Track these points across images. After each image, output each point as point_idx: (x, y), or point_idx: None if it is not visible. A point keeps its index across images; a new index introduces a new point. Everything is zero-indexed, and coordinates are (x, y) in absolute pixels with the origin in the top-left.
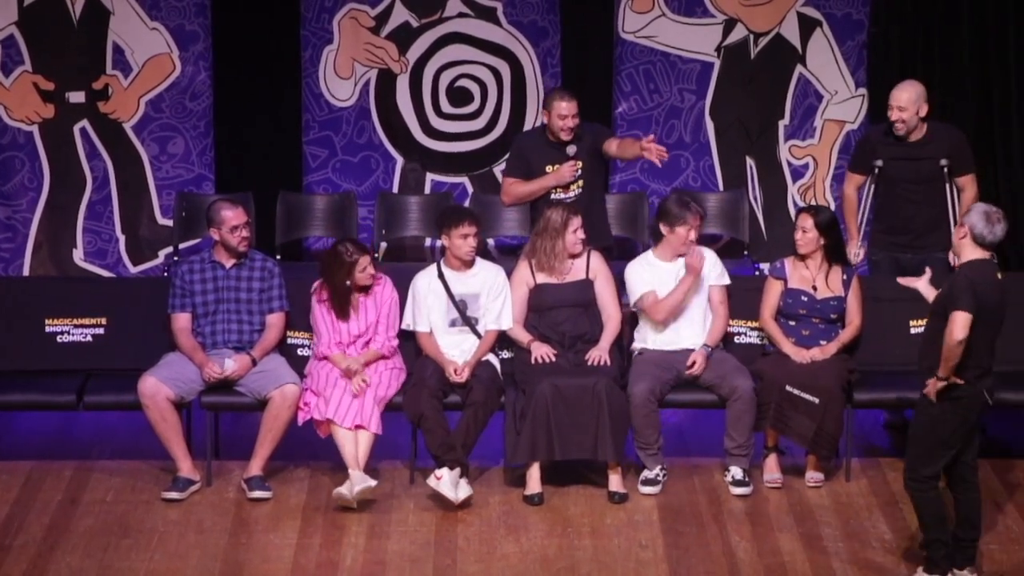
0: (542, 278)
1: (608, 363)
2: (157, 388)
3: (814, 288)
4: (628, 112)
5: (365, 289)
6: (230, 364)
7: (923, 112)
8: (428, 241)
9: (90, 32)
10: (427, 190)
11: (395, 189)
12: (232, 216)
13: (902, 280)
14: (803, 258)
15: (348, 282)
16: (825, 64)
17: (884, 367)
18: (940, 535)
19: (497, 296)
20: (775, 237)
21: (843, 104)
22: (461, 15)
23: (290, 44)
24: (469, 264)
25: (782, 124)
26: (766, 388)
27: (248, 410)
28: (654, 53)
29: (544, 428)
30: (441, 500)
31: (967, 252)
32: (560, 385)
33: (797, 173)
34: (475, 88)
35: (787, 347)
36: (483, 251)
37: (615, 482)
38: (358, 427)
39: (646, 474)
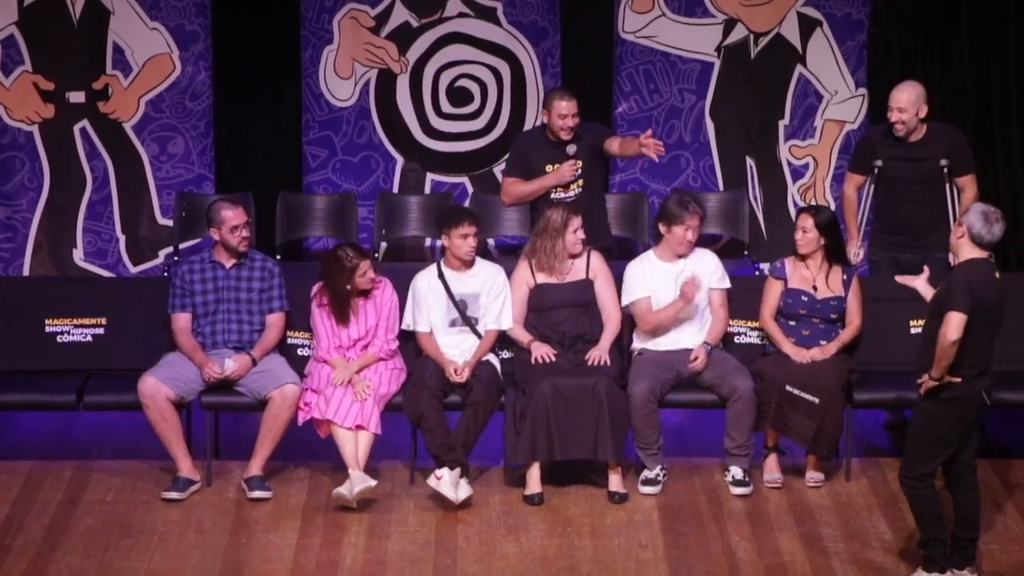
0: (542, 278)
1: (608, 363)
2: (157, 388)
3: (814, 288)
4: (628, 112)
5: (365, 293)
6: (230, 364)
7: (923, 113)
8: (428, 241)
9: (90, 32)
10: (427, 190)
11: (395, 189)
12: (232, 216)
13: (900, 278)
14: (803, 258)
15: (348, 287)
16: (825, 64)
17: (884, 367)
18: (937, 533)
19: (497, 296)
20: (775, 237)
21: (843, 104)
22: (461, 15)
23: (290, 44)
24: (469, 264)
25: (782, 124)
26: (766, 388)
27: (248, 410)
28: (654, 53)
29: (544, 428)
30: (441, 500)
31: (965, 252)
32: (560, 385)
33: (797, 173)
34: (475, 88)
35: (787, 347)
36: (483, 251)
37: (615, 482)
38: (358, 427)
39: (646, 474)
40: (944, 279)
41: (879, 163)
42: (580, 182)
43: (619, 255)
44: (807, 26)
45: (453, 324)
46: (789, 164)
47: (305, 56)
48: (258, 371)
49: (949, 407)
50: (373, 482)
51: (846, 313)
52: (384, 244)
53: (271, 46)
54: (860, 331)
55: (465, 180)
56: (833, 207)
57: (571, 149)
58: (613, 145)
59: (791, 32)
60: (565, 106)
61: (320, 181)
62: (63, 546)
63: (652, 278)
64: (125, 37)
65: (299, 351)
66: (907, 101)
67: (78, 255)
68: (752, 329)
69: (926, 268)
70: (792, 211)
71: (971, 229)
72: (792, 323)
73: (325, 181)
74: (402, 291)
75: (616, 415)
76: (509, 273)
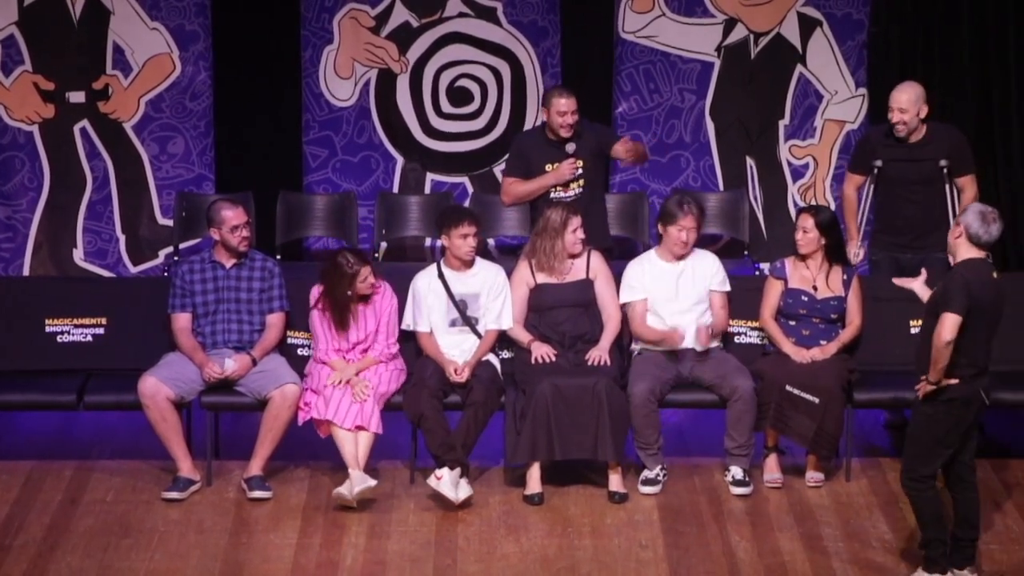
0: (542, 278)
1: (608, 363)
2: (157, 388)
3: (814, 288)
4: (628, 112)
5: (365, 298)
6: (230, 364)
7: (923, 113)
8: (428, 241)
9: (90, 32)
10: (427, 190)
11: (395, 189)
12: (232, 216)
13: (898, 281)
14: (803, 258)
15: (349, 292)
16: (825, 64)
17: (884, 367)
18: (938, 534)
19: (497, 296)
20: (775, 237)
21: (843, 104)
22: (461, 15)
23: (290, 44)
24: (469, 264)
25: (782, 124)
26: (766, 388)
27: (248, 410)
28: (654, 53)
29: (544, 428)
30: (441, 500)
31: (963, 251)
32: (560, 385)
33: (797, 173)
34: (475, 88)
35: (787, 347)
36: (483, 251)
37: (615, 482)
38: (359, 428)
39: (646, 474)
40: (943, 279)
41: (879, 163)
42: (581, 182)
43: (619, 255)
44: (807, 26)
45: (453, 324)
46: (789, 164)
47: (305, 56)
48: (258, 371)
49: (948, 408)
50: (373, 482)
51: (846, 313)
52: (384, 244)
53: (271, 46)
54: (860, 331)
55: (465, 180)
56: (833, 207)
57: (570, 148)
58: (620, 151)
59: (791, 32)
60: (564, 103)
61: (320, 181)
62: (63, 546)
63: (651, 278)
64: (125, 37)
65: (299, 351)
66: (908, 101)
67: (78, 255)
68: (752, 329)
69: (924, 271)
70: (792, 211)
71: (968, 229)
72: (792, 323)
73: (325, 181)
74: (402, 291)
75: (616, 415)
76: (509, 273)
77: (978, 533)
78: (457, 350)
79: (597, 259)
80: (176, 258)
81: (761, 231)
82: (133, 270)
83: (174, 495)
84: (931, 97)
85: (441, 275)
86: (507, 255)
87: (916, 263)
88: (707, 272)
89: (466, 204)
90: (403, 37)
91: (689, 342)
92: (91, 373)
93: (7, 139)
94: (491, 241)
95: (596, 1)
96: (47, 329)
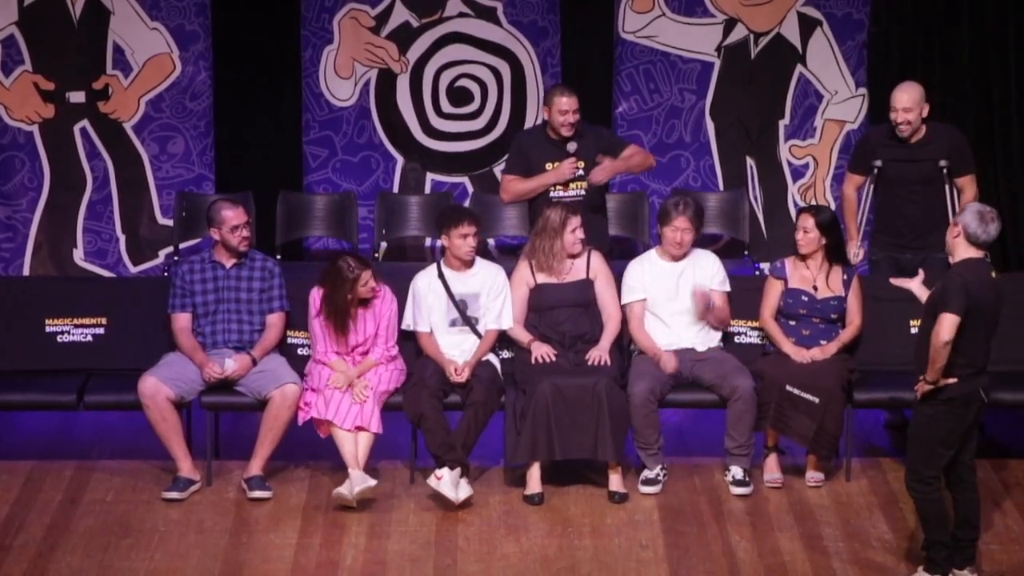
0: (542, 278)
1: (608, 363)
2: (157, 388)
3: (814, 288)
4: (628, 112)
5: (365, 302)
6: (230, 364)
7: (924, 112)
8: (428, 241)
9: (90, 32)
10: (427, 190)
11: (395, 189)
12: (232, 216)
13: (895, 281)
14: (804, 258)
15: (349, 296)
16: (825, 64)
17: (884, 367)
18: (942, 536)
19: (497, 296)
20: (775, 237)
21: (843, 104)
22: (461, 15)
23: (290, 44)
24: (469, 264)
25: (782, 124)
26: (766, 388)
27: (248, 410)
28: (654, 53)
29: (544, 428)
30: (441, 500)
31: (961, 251)
32: (560, 385)
33: (797, 173)
34: (475, 88)
35: (787, 347)
36: (483, 251)
37: (615, 482)
38: (359, 428)
39: (646, 474)
40: (941, 279)
41: (878, 163)
42: (583, 183)
43: (619, 255)
44: (807, 26)
45: (453, 324)
46: (789, 164)
47: (305, 56)
48: (258, 371)
49: (948, 408)
50: (373, 482)
51: (846, 313)
52: (384, 244)
53: (271, 46)
54: (860, 331)
55: (465, 180)
56: (833, 207)
57: (572, 147)
58: (598, 174)
59: (791, 32)
60: (566, 102)
61: (320, 181)
62: (63, 546)
63: (652, 278)
64: (125, 37)
65: (299, 351)
66: (912, 101)
67: (78, 255)
68: (752, 329)
69: (921, 271)
70: (792, 211)
71: (967, 229)
72: (792, 323)
73: (325, 181)
74: (402, 291)
75: (616, 415)
76: (509, 273)
77: (978, 533)
78: (457, 350)
79: (597, 259)
80: (176, 258)
81: (761, 231)
82: (133, 270)
83: (174, 495)
84: (931, 97)
85: (441, 275)
86: (507, 255)
87: (916, 263)
88: (707, 272)
89: (466, 204)
90: (403, 37)
91: (671, 367)
92: (91, 373)
93: (7, 139)
94: (491, 241)
95: (596, 1)
96: (47, 329)
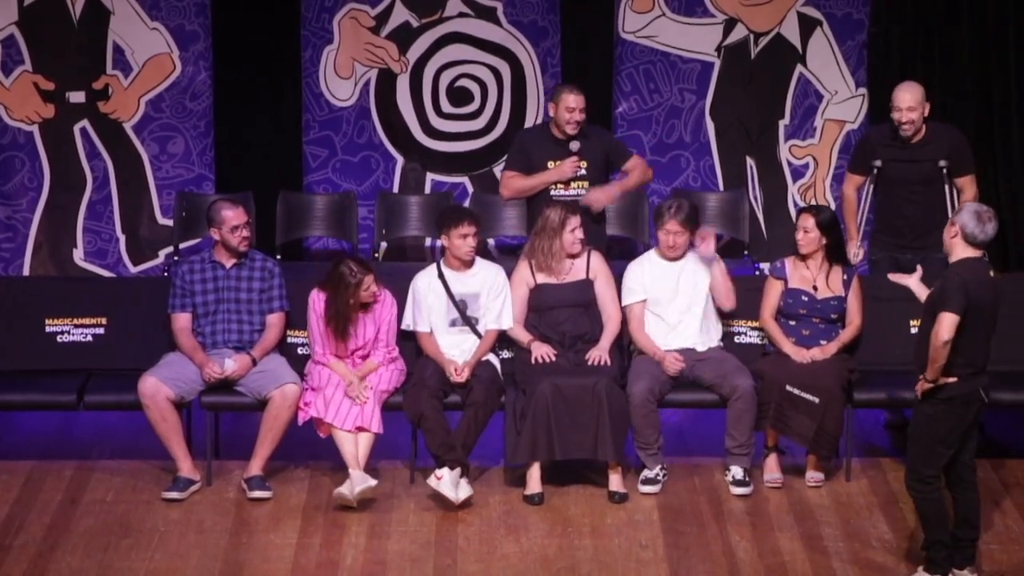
0: (542, 278)
1: (608, 363)
2: (157, 388)
3: (814, 288)
4: (628, 112)
5: (366, 306)
6: (230, 364)
7: (926, 112)
8: (428, 241)
9: (90, 32)
10: (427, 190)
11: (395, 189)
12: (232, 216)
13: (893, 276)
14: (804, 258)
15: (351, 301)
16: (825, 64)
17: (884, 367)
18: (942, 536)
19: (497, 296)
20: (775, 237)
21: (843, 104)
22: (461, 15)
23: (290, 44)
24: (469, 264)
25: (782, 124)
26: (766, 388)
27: (248, 410)
28: (654, 53)
29: (544, 428)
30: (441, 500)
31: (958, 251)
32: (560, 385)
33: (797, 173)
34: (475, 88)
35: (787, 347)
36: (483, 251)
37: (615, 482)
38: (359, 429)
39: (646, 474)
40: (940, 279)
41: (878, 163)
42: (584, 184)
43: (619, 255)
44: (807, 26)
45: (453, 324)
46: (789, 164)
47: (305, 56)
48: (258, 371)
49: (948, 407)
50: (374, 482)
51: (846, 313)
52: (384, 244)
53: (271, 46)
54: (860, 331)
55: (465, 180)
56: (833, 207)
57: (574, 146)
58: (591, 199)
59: (791, 32)
60: (573, 99)
61: (320, 181)
62: (63, 546)
63: (652, 278)
64: (125, 37)
65: (299, 351)
66: (915, 100)
67: (78, 255)
68: (752, 329)
69: (919, 268)
70: (792, 211)
71: (964, 228)
72: (792, 323)
73: (325, 181)
74: (402, 291)
75: (616, 415)
76: (509, 273)
77: (978, 533)
78: (457, 350)
79: (597, 259)
80: (176, 258)
81: (761, 231)
82: (133, 270)
83: (174, 495)
84: (931, 97)
85: (441, 275)
86: (507, 255)
87: (916, 263)
88: (703, 266)
89: (466, 204)
90: (403, 37)
91: (674, 370)
92: (91, 373)
93: (7, 139)
94: (491, 241)
95: (596, 1)
96: (47, 329)
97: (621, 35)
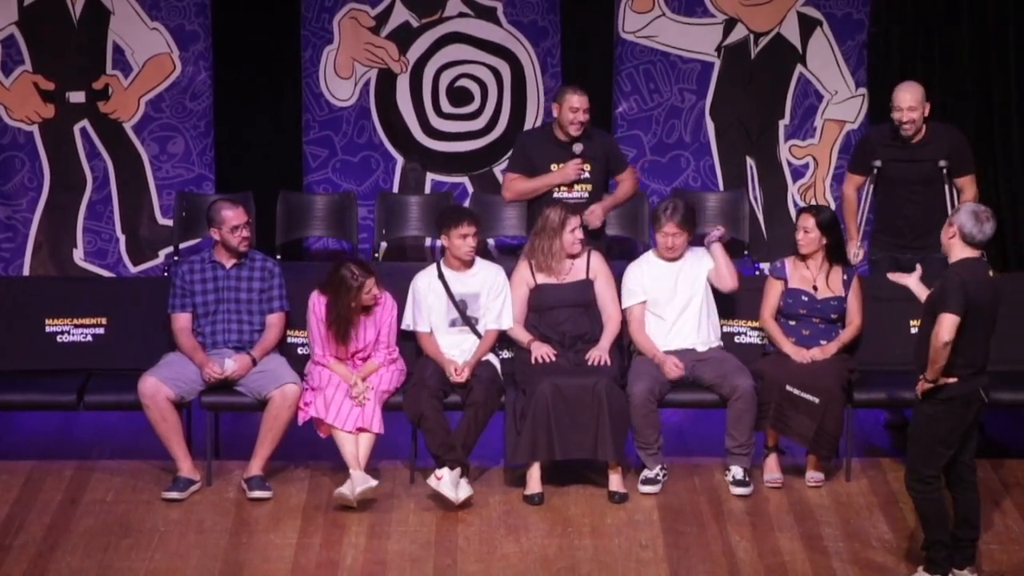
0: (542, 278)
1: (608, 363)
2: (157, 388)
3: (814, 288)
4: (628, 112)
5: (367, 309)
6: (230, 364)
7: (926, 112)
8: (428, 241)
9: (90, 32)
10: (427, 190)
11: (395, 189)
12: (232, 216)
13: (892, 276)
14: (804, 258)
15: (353, 304)
16: (825, 64)
17: (884, 367)
18: (942, 536)
19: (497, 296)
20: (775, 237)
21: (843, 104)
22: (461, 15)
23: (290, 44)
24: (469, 264)
25: (782, 124)
26: (766, 388)
27: (248, 410)
28: (654, 53)
29: (544, 428)
30: (441, 500)
31: (957, 251)
32: (560, 385)
33: (797, 173)
34: (475, 88)
35: (787, 347)
36: (483, 251)
37: (615, 482)
38: (360, 430)
39: (646, 473)
40: (939, 279)
41: (878, 163)
42: (587, 187)
43: (619, 255)
44: (807, 26)
45: (453, 324)
46: (789, 164)
47: (305, 56)
48: (258, 371)
49: (948, 407)
50: (375, 482)
51: (846, 313)
52: (384, 244)
53: (271, 46)
54: (860, 331)
55: (465, 180)
56: (833, 207)
57: (578, 148)
58: (590, 217)
59: (791, 32)
60: (577, 100)
61: (320, 181)
62: (63, 546)
63: (651, 279)
64: (125, 37)
65: (299, 351)
66: (916, 100)
67: (78, 255)
68: (752, 329)
69: (918, 266)
70: (792, 211)
71: (962, 229)
72: (792, 323)
73: (325, 181)
74: (402, 291)
75: (616, 415)
76: (509, 273)
77: (978, 533)
78: (457, 350)
79: (597, 259)
80: (176, 258)
81: (761, 231)
82: (133, 270)
83: (174, 495)
84: (931, 97)
85: (441, 275)
86: (507, 255)
87: (916, 263)
88: (702, 266)
89: (466, 204)
90: (403, 37)
91: (675, 374)
92: (91, 373)
93: (7, 139)
94: (491, 241)
95: (596, 1)
96: (47, 329)
97: (621, 35)
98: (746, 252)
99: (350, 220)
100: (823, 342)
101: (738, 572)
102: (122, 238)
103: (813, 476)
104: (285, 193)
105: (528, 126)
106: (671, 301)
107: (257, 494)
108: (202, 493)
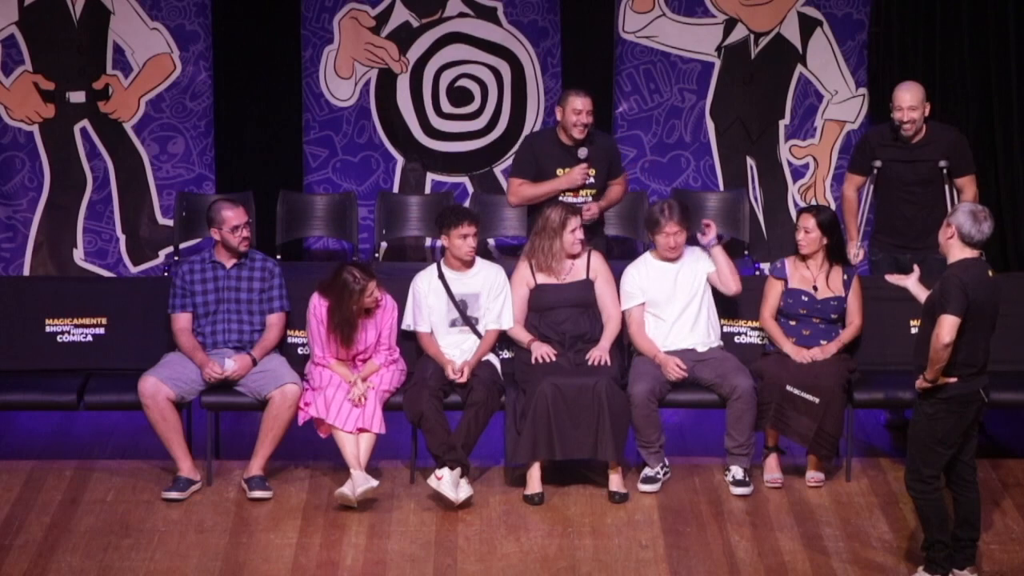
0: (542, 278)
1: (608, 363)
2: (157, 388)
3: (815, 288)
4: (628, 112)
5: (369, 311)
6: (230, 364)
7: (926, 112)
8: (428, 241)
9: (90, 32)
10: (427, 190)
11: (395, 189)
12: (232, 216)
13: (890, 277)
14: (804, 258)
15: (355, 307)
16: (825, 64)
17: (884, 367)
18: (942, 536)
19: (497, 296)
20: (775, 237)
21: (843, 104)
22: (461, 15)
23: (290, 44)
24: (469, 264)
25: (782, 124)
26: (766, 388)
27: (248, 410)
28: (654, 53)
29: (544, 428)
30: (442, 500)
31: (956, 252)
32: (560, 385)
33: (797, 173)
34: (475, 88)
35: (787, 347)
36: (483, 251)
37: (615, 482)
38: (361, 430)
39: (647, 472)
40: (939, 280)
41: (878, 164)
42: (592, 191)
43: (619, 255)
44: (807, 26)
45: (453, 324)
46: (789, 164)
47: (305, 56)
48: (258, 371)
49: (948, 407)
50: (375, 482)
51: (846, 313)
52: (384, 244)
53: (271, 46)
54: (860, 331)
55: (465, 180)
56: (833, 207)
57: (583, 153)
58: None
59: (791, 32)
60: (580, 102)
61: (320, 181)
62: (63, 546)
63: (649, 280)
64: (125, 37)
65: (299, 351)
66: (916, 100)
67: (78, 255)
68: (752, 329)
69: (916, 268)
70: (792, 211)
71: (960, 229)
72: (792, 323)
73: (325, 181)
74: (402, 291)
75: (616, 415)
76: (509, 273)
77: (978, 533)
78: (457, 350)
79: (597, 259)
80: (176, 258)
81: (761, 231)
82: (133, 270)
83: (174, 495)
84: (931, 97)
85: (441, 275)
86: (507, 255)
87: (916, 263)
88: (700, 265)
89: (466, 204)
90: (403, 37)
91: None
92: (91, 373)
93: (7, 139)
94: (491, 241)
95: (596, 1)
96: (47, 329)
97: (621, 35)
98: (746, 252)
99: (350, 220)
100: (823, 342)
101: (738, 572)
102: (122, 238)
103: (813, 476)
104: (285, 193)
105: (528, 126)
106: (670, 302)
107: (257, 494)
108: (202, 493)
